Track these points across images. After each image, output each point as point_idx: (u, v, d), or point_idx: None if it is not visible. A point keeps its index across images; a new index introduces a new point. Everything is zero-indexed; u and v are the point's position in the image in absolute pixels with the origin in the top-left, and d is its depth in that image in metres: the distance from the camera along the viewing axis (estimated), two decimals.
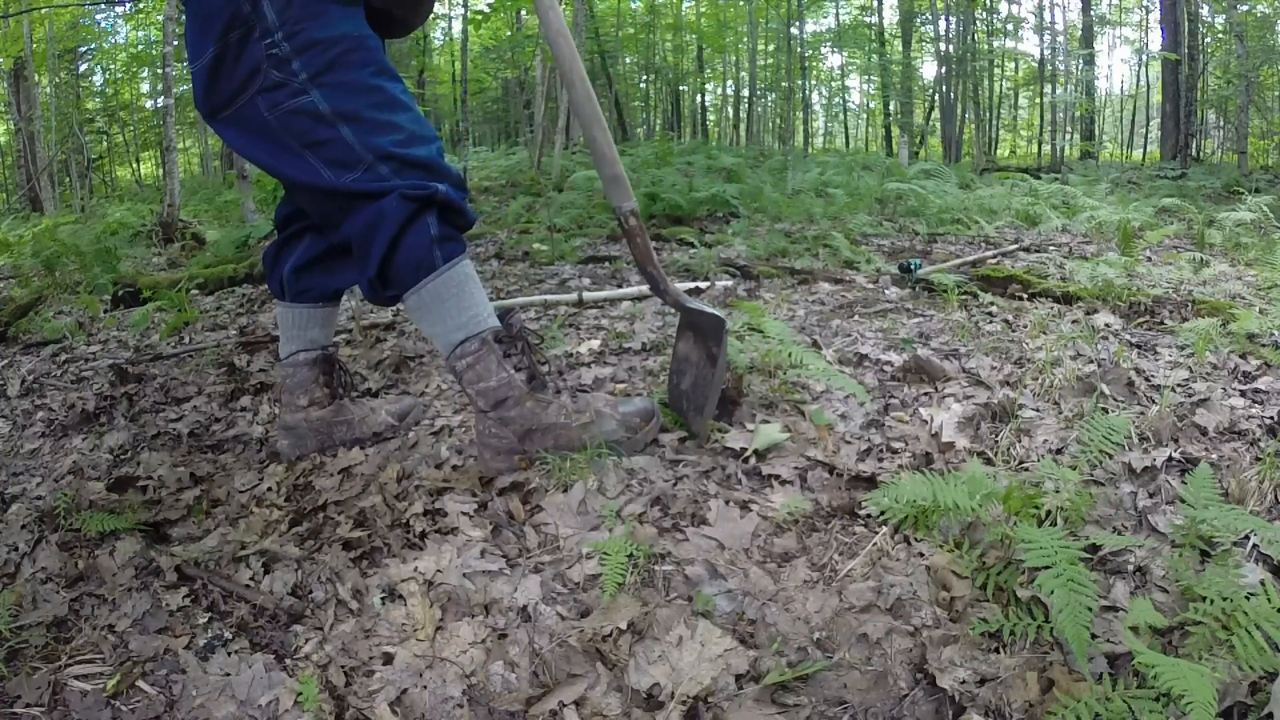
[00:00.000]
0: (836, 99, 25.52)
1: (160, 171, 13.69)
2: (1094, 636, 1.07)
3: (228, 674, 1.12)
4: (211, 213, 7.63)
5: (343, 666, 1.13)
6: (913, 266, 3.34)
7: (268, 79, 1.39)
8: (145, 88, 18.75)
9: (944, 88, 16.90)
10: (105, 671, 1.14)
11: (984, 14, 17.19)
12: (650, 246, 1.60)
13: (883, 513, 1.38)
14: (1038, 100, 19.37)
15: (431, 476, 1.60)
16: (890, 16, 20.66)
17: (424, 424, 1.89)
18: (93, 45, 16.32)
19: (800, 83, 14.94)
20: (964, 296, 2.93)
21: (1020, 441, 1.68)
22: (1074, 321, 2.59)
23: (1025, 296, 2.95)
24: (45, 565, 1.39)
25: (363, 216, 1.46)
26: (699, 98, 24.33)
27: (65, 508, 1.56)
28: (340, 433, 1.80)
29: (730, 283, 3.28)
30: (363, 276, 1.51)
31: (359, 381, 2.21)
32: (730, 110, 23.26)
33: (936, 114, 18.10)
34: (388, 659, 1.14)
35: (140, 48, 17.32)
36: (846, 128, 27.61)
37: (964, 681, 1.04)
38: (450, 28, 20.68)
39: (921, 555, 1.29)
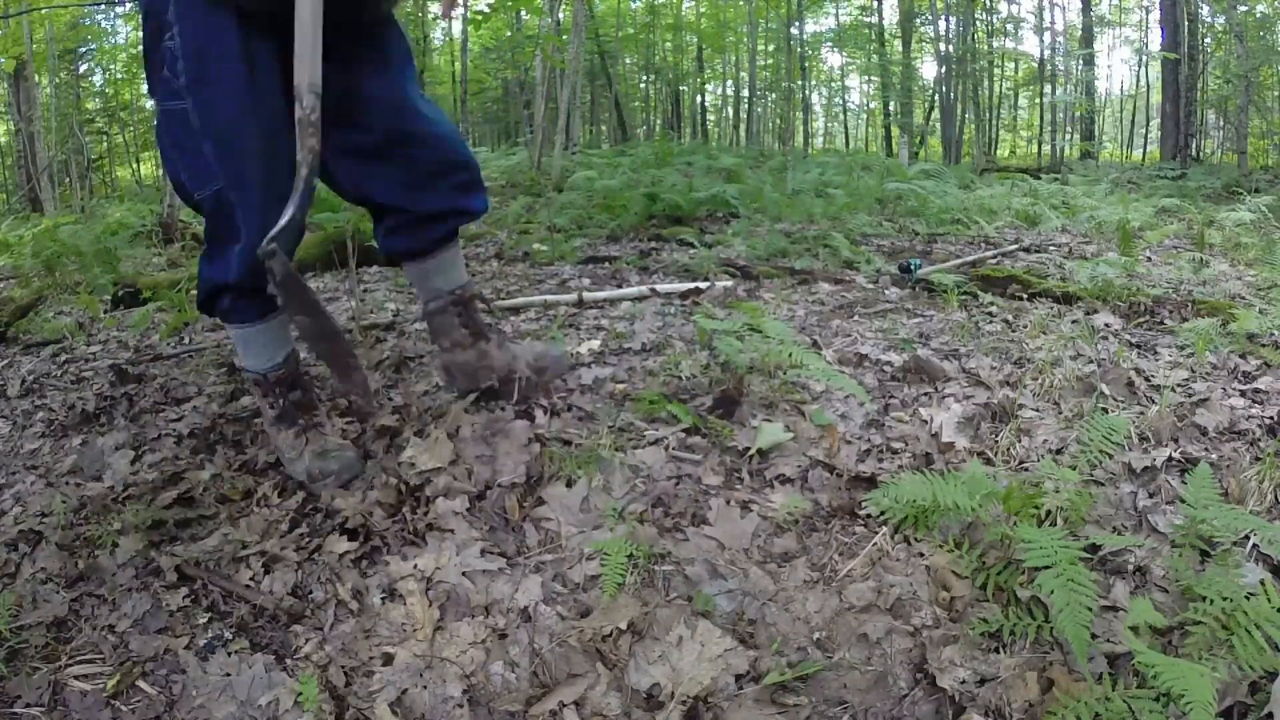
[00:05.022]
0: (836, 99, 25.55)
1: (160, 171, 13.67)
2: (1094, 636, 1.07)
3: (228, 674, 1.12)
4: None
5: (343, 666, 1.13)
6: (913, 266, 3.34)
7: (165, 72, 1.46)
8: (145, 88, 18.72)
9: (944, 88, 16.89)
10: (105, 671, 1.14)
11: (984, 14, 17.19)
12: None
13: (883, 513, 1.38)
14: (1038, 100, 19.37)
15: (432, 475, 1.60)
16: (890, 16, 20.65)
17: (424, 422, 1.89)
18: (93, 45, 16.30)
19: (800, 83, 14.97)
20: (964, 296, 2.93)
21: (1020, 441, 1.68)
22: (1074, 321, 2.59)
23: (1025, 296, 2.95)
24: (45, 565, 1.39)
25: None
26: (699, 98, 24.35)
27: (65, 508, 1.56)
28: (484, 377, 1.86)
29: (730, 283, 3.27)
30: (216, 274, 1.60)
31: None
32: (730, 110, 23.29)
33: (936, 114, 18.09)
34: (388, 659, 1.14)
35: (140, 48, 17.29)
36: (846, 128, 27.60)
37: (964, 681, 1.04)
38: (450, 28, 20.65)
39: (921, 555, 1.29)
